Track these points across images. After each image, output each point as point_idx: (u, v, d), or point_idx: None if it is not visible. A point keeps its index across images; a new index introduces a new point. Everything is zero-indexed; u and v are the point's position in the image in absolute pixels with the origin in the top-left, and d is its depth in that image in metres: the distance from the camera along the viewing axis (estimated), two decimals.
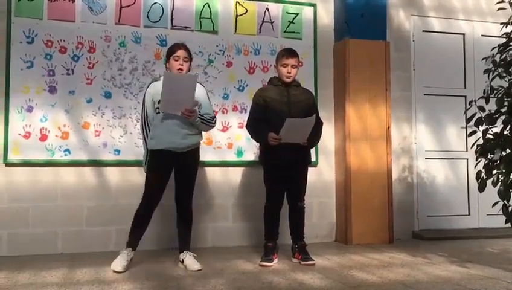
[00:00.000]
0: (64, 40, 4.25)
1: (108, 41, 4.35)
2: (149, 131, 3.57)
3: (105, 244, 4.17)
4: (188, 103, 3.39)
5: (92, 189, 4.26)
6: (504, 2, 3.37)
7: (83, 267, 3.50)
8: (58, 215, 4.18)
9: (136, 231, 3.52)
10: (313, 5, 4.94)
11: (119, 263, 3.36)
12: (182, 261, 3.53)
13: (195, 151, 3.61)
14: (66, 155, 4.20)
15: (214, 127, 3.71)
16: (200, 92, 3.56)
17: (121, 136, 4.31)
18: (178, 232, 3.64)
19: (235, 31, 4.69)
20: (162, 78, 3.43)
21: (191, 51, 4.47)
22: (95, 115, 4.28)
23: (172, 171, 3.58)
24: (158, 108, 3.49)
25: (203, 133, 3.74)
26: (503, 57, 3.37)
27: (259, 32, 4.75)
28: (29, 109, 4.15)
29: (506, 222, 3.23)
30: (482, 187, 3.27)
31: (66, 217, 4.19)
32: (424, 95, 5.26)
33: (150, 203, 3.52)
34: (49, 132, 4.18)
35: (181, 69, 3.51)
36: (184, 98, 3.36)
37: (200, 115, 3.50)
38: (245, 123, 3.89)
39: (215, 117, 3.68)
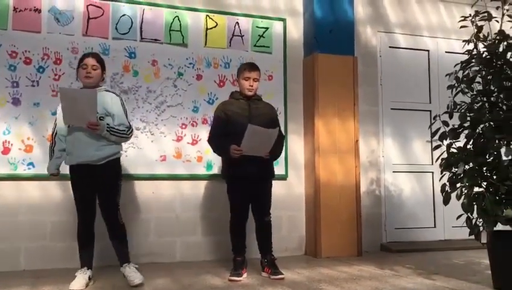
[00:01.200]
0: (29, 51, 4.16)
1: (76, 52, 4.27)
2: (54, 144, 3.51)
3: (70, 260, 4.03)
4: (91, 117, 3.27)
5: (57, 203, 4.15)
6: (466, 20, 3.48)
7: (46, 285, 3.39)
8: (20, 231, 4.05)
9: (83, 250, 3.44)
10: (283, 20, 4.99)
11: (77, 283, 3.28)
12: (124, 276, 3.43)
13: (114, 162, 3.46)
14: (29, 169, 4.09)
15: (129, 137, 3.50)
16: (113, 102, 3.45)
17: None
18: (113, 247, 3.49)
19: (205, 44, 4.70)
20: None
21: (161, 63, 4.51)
22: None
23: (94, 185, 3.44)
24: None
25: (123, 144, 3.63)
26: (465, 73, 3.46)
27: (230, 45, 4.77)
28: None
29: (470, 234, 3.29)
30: (446, 200, 3.33)
31: (29, 232, 4.07)
32: (391, 109, 5.37)
33: (83, 220, 3.43)
34: (12, 144, 4.06)
35: (89, 77, 3.42)
36: (86, 112, 3.26)
37: (109, 127, 3.36)
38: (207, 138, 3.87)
39: (130, 127, 3.48)
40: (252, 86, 3.74)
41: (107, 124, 3.36)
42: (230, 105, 3.77)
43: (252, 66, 3.79)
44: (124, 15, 4.44)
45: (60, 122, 3.46)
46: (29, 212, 4.08)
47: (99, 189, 3.42)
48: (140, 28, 4.49)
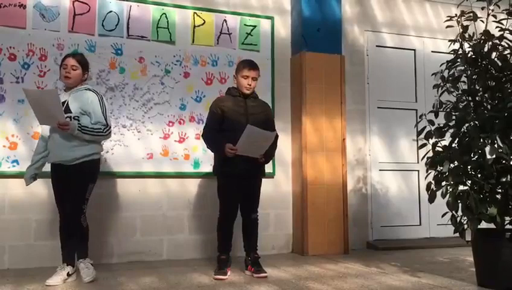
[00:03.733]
0: (13, 47, 4.11)
1: (61, 49, 4.23)
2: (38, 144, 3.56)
3: (55, 259, 3.97)
4: (59, 116, 3.27)
5: (42, 201, 4.10)
6: (452, 20, 3.52)
7: (30, 283, 3.36)
8: (5, 229, 4.00)
9: (63, 246, 3.48)
10: (271, 18, 4.99)
11: (53, 279, 3.31)
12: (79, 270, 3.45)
13: (87, 163, 3.42)
14: (14, 166, 4.04)
15: (106, 135, 3.45)
16: (90, 101, 3.44)
17: None
18: (69, 244, 3.48)
19: (193, 42, 4.68)
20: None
21: (148, 60, 4.48)
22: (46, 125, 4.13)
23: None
24: None
25: (102, 143, 3.62)
26: (451, 72, 3.49)
27: (217, 43, 4.76)
28: None
29: (454, 232, 3.32)
30: (431, 198, 3.36)
31: (13, 230, 4.02)
32: (378, 108, 5.40)
33: (60, 216, 3.49)
34: None
35: (67, 77, 3.45)
36: (53, 112, 3.27)
37: (81, 126, 3.33)
38: (201, 132, 3.86)
39: (107, 125, 3.43)
40: (250, 84, 3.73)
41: (79, 123, 3.35)
42: (227, 101, 3.75)
43: (252, 65, 3.77)
44: (110, 11, 4.40)
45: None
46: (13, 210, 4.03)
47: (68, 188, 3.42)
48: (127, 24, 4.45)
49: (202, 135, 3.82)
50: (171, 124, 4.54)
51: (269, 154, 3.72)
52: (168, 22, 4.58)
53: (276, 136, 3.77)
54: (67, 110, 3.39)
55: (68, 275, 3.40)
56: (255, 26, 4.90)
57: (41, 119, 3.36)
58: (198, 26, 4.70)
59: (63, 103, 3.40)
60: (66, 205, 3.44)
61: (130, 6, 4.47)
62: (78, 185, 3.42)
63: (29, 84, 4.12)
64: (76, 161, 3.38)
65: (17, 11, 4.13)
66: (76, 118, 3.39)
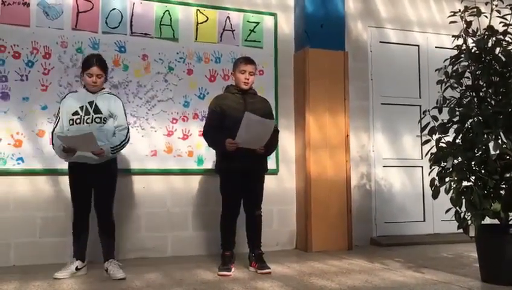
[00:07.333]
0: (17, 45, 4.12)
1: (65, 46, 4.25)
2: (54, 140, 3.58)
3: (61, 256, 4.03)
4: (94, 148, 3.41)
5: (47, 198, 4.13)
6: (456, 15, 3.50)
7: (36, 280, 3.38)
8: (10, 226, 4.02)
9: (76, 240, 3.60)
10: (274, 15, 4.99)
11: (61, 272, 3.44)
12: (107, 270, 3.50)
13: (110, 162, 3.58)
14: (19, 164, 4.06)
15: (128, 140, 3.66)
16: (116, 105, 3.61)
17: None
18: (100, 242, 3.62)
19: (196, 39, 4.68)
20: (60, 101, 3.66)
21: (151, 57, 4.49)
22: (50, 122, 4.15)
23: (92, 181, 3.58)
24: (72, 120, 3.52)
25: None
26: (454, 68, 3.48)
27: (220, 40, 4.76)
28: None
29: (458, 227, 3.33)
30: (435, 194, 3.36)
31: (18, 228, 4.04)
32: (381, 104, 5.39)
33: (76, 213, 3.61)
34: (0, 139, 4.03)
35: (95, 85, 3.56)
36: (89, 147, 3.40)
37: (113, 148, 3.52)
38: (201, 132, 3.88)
39: (128, 128, 3.66)
40: (248, 79, 3.74)
41: (110, 147, 3.51)
42: (226, 99, 3.76)
43: (248, 60, 3.82)
44: (114, 9, 4.41)
45: (64, 118, 3.57)
46: (18, 207, 4.05)
47: (97, 187, 3.58)
48: (131, 22, 4.46)
49: (203, 134, 3.84)
50: (174, 121, 4.55)
51: (269, 145, 3.69)
52: (171, 19, 4.58)
53: (277, 131, 3.78)
54: (97, 110, 3.54)
55: (77, 269, 3.51)
56: (258, 23, 4.90)
57: (75, 147, 3.45)
58: (202, 23, 4.71)
59: (91, 102, 3.54)
60: (88, 203, 3.59)
61: (134, 3, 4.48)
62: (108, 183, 3.61)
63: (34, 82, 4.14)
64: (102, 160, 3.49)
65: (20, 9, 4.15)
66: (105, 119, 3.53)
